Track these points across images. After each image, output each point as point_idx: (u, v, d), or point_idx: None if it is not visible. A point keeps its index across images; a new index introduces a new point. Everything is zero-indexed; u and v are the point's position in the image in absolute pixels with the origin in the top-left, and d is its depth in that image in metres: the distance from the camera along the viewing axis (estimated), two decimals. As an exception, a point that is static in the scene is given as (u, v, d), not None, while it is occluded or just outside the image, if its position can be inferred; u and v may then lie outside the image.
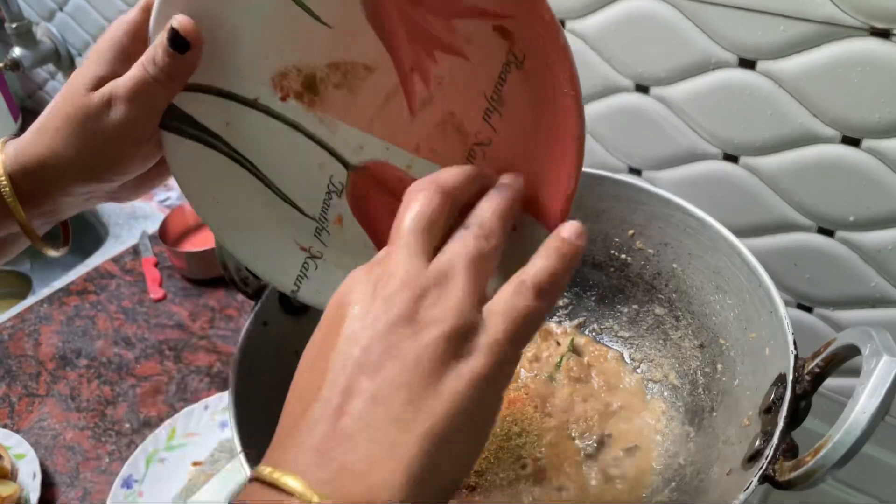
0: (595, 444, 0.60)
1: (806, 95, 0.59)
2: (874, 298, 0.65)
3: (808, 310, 0.70)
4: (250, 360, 0.57)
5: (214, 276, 1.10)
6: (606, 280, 0.70)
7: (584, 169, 0.66)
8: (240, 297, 1.10)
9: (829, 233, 0.64)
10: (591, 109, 0.73)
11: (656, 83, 0.67)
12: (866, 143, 0.58)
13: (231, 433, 0.51)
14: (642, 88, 0.68)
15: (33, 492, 0.82)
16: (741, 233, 0.63)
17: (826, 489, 0.60)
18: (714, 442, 0.54)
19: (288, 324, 0.62)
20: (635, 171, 0.74)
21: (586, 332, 0.71)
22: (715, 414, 0.56)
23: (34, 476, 0.83)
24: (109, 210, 1.35)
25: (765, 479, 0.42)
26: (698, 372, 0.61)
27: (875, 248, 0.62)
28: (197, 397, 0.94)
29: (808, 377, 0.46)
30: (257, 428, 0.54)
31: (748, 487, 0.42)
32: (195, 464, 0.86)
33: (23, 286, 1.42)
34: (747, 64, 0.61)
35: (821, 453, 0.39)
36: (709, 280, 0.60)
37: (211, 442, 0.88)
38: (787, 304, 0.57)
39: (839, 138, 0.59)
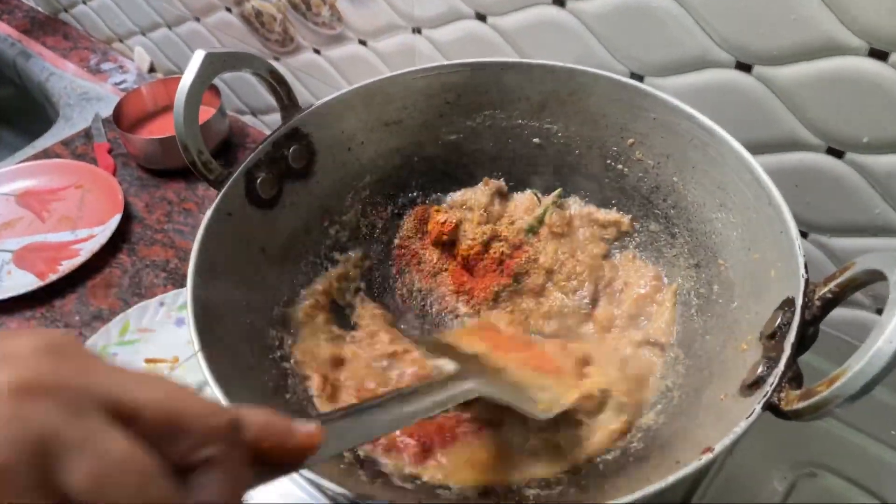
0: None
1: None
2: (876, 226, 0.62)
3: (804, 235, 0.67)
4: (212, 253, 0.51)
5: (174, 166, 1.03)
6: (599, 192, 0.65)
7: (584, 68, 0.62)
8: (200, 190, 1.03)
9: (838, 154, 0.60)
10: (594, 5, 0.66)
11: (671, -23, 0.61)
12: (895, 56, 0.54)
13: (189, 331, 0.46)
14: (654, -17, 0.62)
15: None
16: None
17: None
18: (705, 366, 0.51)
19: (255, 217, 0.57)
20: (637, 77, 0.68)
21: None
22: (708, 337, 0.53)
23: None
24: (59, 89, 1.25)
25: (768, 406, 0.40)
26: (692, 293, 0.57)
27: (885, 173, 0.59)
28: (152, 293, 0.89)
29: (818, 302, 0.43)
30: (217, 326, 0.49)
31: (751, 415, 0.39)
32: (149, 361, 0.82)
33: (-36, 167, 1.33)
34: (775, -39, 0.55)
35: (838, 383, 0.36)
36: (712, 196, 0.56)
37: (166, 339, 0.84)
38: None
39: (866, 50, 0.55)
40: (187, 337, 0.48)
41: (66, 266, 0.90)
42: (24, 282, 0.88)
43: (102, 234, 0.94)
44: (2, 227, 0.97)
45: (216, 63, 0.53)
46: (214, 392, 0.43)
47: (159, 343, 0.83)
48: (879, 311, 0.66)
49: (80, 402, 0.23)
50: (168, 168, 1.04)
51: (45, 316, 0.86)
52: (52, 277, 0.88)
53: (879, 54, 0.54)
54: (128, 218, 0.98)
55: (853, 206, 0.62)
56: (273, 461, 0.29)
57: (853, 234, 0.64)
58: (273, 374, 0.52)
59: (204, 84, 0.53)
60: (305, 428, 0.30)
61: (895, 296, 0.37)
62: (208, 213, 0.52)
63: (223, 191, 0.54)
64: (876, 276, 0.40)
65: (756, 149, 0.64)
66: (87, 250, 0.92)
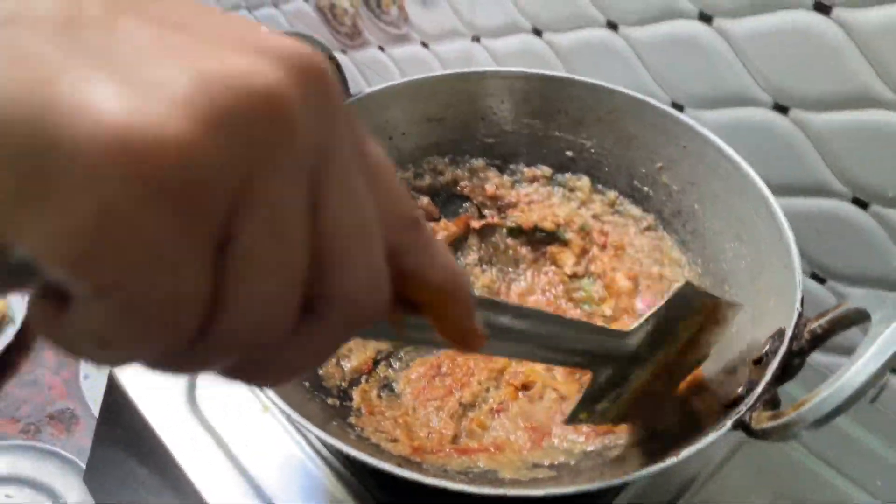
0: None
1: (877, 52, 0.55)
2: (893, 280, 0.62)
3: (822, 281, 0.67)
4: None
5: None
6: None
7: (626, 90, 0.64)
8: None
9: (863, 204, 0.61)
10: (645, 33, 0.69)
11: (722, 14, 0.63)
12: (928, 115, 0.55)
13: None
14: (706, 18, 0.64)
15: (18, 312, 0.84)
16: (771, 190, 0.61)
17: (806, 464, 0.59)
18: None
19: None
20: (678, 107, 0.70)
21: (590, 258, 0.70)
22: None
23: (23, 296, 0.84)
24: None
25: (739, 424, 0.41)
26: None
27: (907, 229, 0.60)
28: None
29: (807, 335, 0.45)
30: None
31: (721, 428, 0.41)
32: None
33: None
34: (822, 8, 0.57)
35: (804, 407, 0.38)
36: (729, 226, 0.58)
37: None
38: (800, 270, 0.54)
39: (900, 105, 0.56)
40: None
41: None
42: None
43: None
44: None
45: (278, 40, 0.57)
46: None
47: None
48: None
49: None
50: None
51: None
52: None
53: (913, 111, 0.55)
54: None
55: (872, 258, 0.63)
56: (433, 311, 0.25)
57: (870, 286, 0.64)
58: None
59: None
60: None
61: (873, 332, 0.38)
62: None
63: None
64: (862, 316, 0.42)
65: (782, 191, 0.65)
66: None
